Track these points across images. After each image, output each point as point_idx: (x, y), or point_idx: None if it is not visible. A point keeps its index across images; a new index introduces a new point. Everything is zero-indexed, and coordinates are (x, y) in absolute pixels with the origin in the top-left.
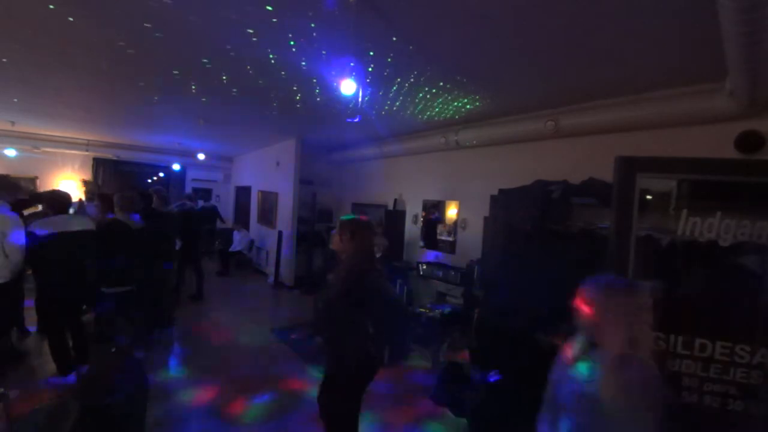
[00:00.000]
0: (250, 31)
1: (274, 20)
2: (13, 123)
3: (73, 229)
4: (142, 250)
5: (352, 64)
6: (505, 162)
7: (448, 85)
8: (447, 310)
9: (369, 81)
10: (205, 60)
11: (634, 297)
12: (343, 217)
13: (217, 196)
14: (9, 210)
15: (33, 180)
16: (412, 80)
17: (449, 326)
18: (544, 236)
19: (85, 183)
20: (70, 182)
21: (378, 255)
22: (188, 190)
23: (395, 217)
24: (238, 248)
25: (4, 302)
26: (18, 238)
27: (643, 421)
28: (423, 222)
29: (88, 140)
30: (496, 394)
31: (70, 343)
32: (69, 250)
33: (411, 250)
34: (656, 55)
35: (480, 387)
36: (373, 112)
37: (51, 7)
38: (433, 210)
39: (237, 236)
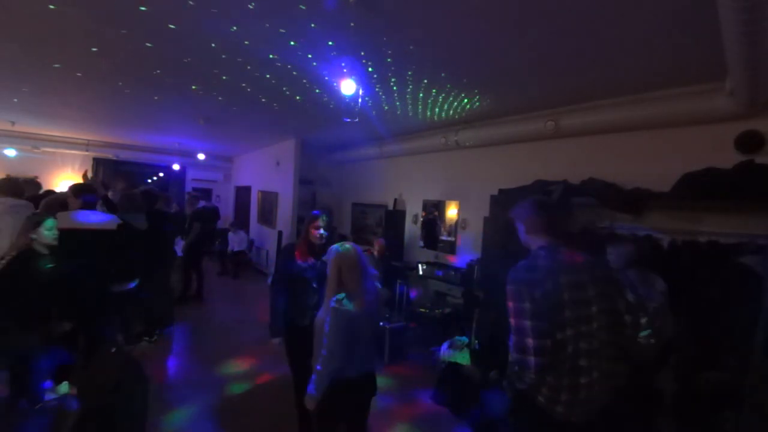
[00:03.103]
0: (251, 30)
1: (275, 20)
2: (13, 123)
3: (93, 227)
4: (147, 251)
5: (344, 64)
6: (505, 162)
7: (448, 85)
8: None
9: (369, 81)
10: (205, 60)
11: None
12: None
13: (218, 196)
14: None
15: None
16: (412, 80)
17: (449, 326)
18: None
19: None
20: (70, 182)
21: (376, 255)
22: (188, 190)
23: (395, 217)
24: (236, 248)
25: None
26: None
27: None
28: (423, 222)
29: (88, 140)
30: (496, 394)
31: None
32: (87, 249)
33: (411, 250)
34: (656, 55)
35: (480, 387)
36: (373, 112)
37: (51, 7)
38: (433, 210)
39: (233, 238)
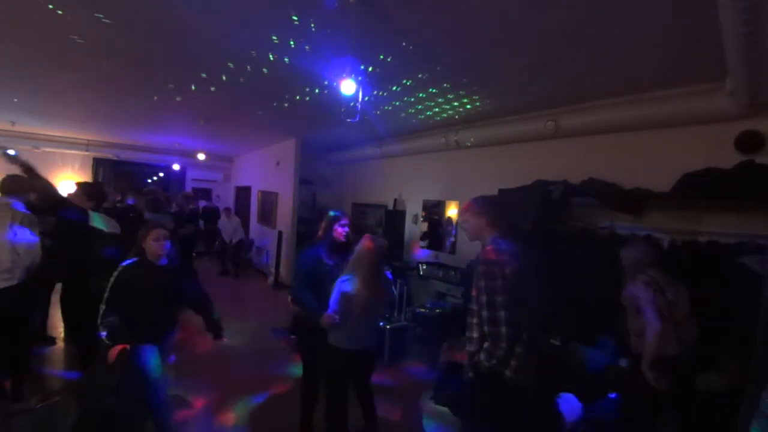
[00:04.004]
0: (250, 30)
1: (274, 20)
2: (13, 123)
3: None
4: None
5: (345, 63)
6: (505, 162)
7: (448, 85)
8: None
9: (369, 81)
10: (205, 60)
11: None
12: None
13: (217, 195)
14: (23, 207)
15: None
16: (412, 80)
17: (449, 326)
18: (544, 236)
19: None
20: (70, 182)
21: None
22: (188, 190)
23: (395, 217)
24: (234, 239)
25: (16, 306)
26: (24, 236)
27: None
28: (428, 223)
29: (88, 140)
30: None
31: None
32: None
33: (411, 250)
34: (656, 55)
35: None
36: (373, 112)
37: (50, 6)
38: (434, 210)
39: (226, 225)
